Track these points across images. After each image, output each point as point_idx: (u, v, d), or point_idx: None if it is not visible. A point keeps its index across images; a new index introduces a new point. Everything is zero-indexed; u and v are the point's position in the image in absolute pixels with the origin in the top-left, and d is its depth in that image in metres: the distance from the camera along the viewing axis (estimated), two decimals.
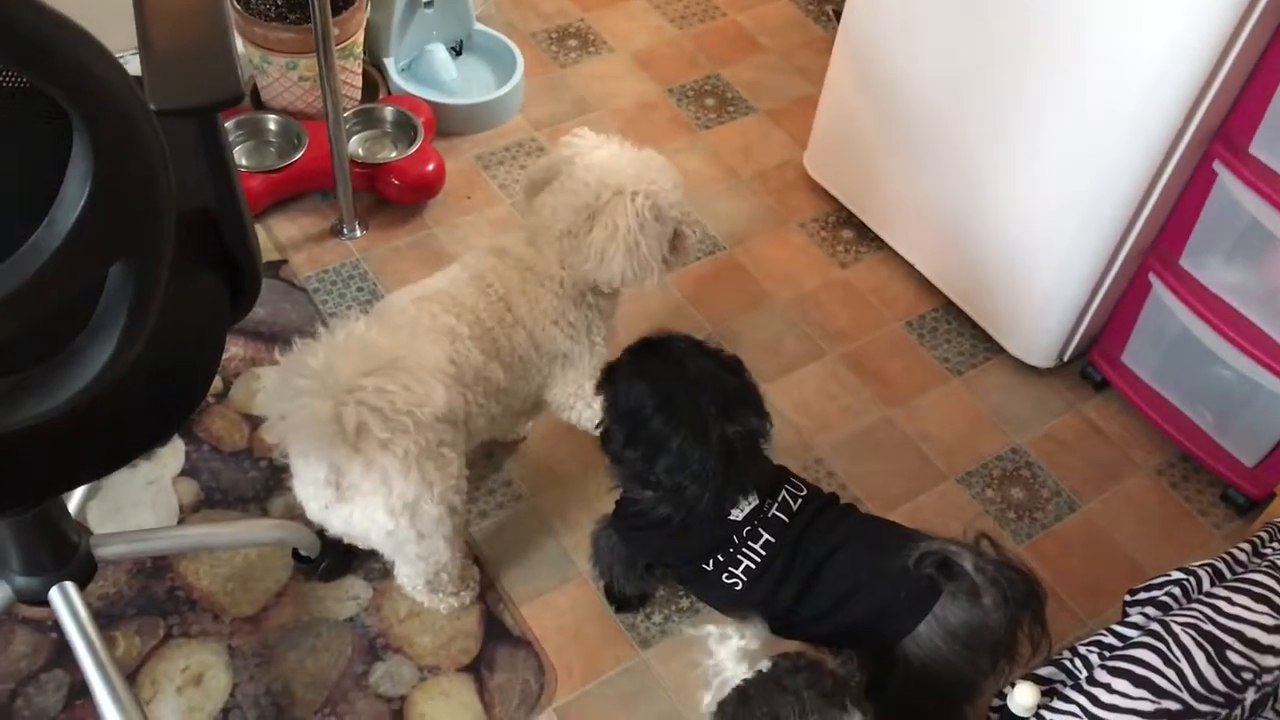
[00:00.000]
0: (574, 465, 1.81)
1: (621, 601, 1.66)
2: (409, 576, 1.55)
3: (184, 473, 1.73)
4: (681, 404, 1.34)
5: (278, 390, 1.29)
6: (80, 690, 1.48)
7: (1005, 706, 1.38)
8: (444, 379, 1.36)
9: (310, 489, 1.37)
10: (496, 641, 1.61)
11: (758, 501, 1.41)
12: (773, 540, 1.40)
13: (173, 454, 1.74)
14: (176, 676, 1.53)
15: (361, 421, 1.26)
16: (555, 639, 1.62)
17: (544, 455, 1.82)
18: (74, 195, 0.77)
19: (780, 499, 1.42)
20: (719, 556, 1.41)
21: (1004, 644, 1.33)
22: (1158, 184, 1.72)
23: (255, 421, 1.80)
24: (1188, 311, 1.77)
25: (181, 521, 1.68)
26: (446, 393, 1.34)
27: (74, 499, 1.56)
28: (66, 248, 0.78)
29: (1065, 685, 1.39)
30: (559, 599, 1.66)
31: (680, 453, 1.33)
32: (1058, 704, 1.35)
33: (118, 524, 1.66)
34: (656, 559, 1.52)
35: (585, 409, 1.63)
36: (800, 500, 1.43)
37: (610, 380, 1.41)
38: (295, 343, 1.31)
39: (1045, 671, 1.44)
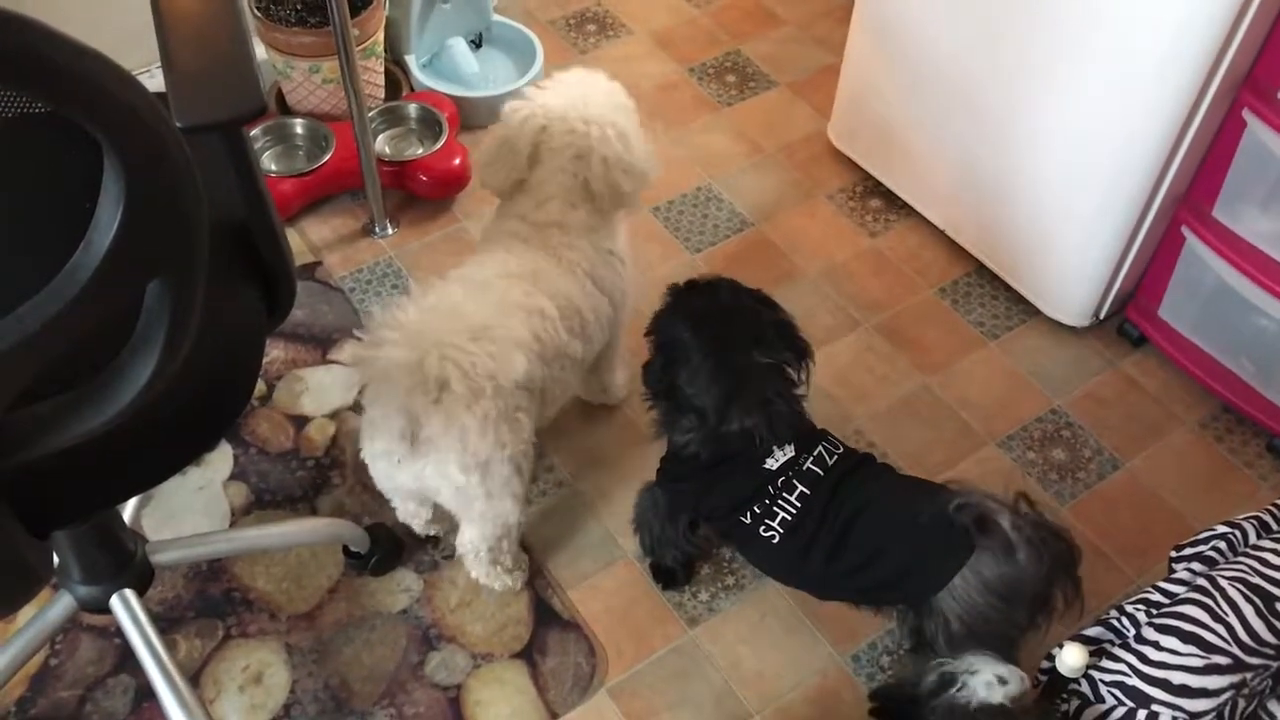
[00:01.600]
0: (615, 448, 1.83)
1: (666, 576, 1.68)
2: (473, 542, 1.56)
3: (233, 476, 1.76)
4: (711, 327, 1.42)
5: (367, 340, 1.37)
6: (146, 693, 1.52)
7: (1054, 668, 1.38)
8: (527, 352, 1.43)
9: (382, 443, 1.43)
10: (547, 626, 1.63)
11: (793, 453, 1.43)
12: (807, 492, 1.42)
13: (221, 458, 1.78)
14: (238, 675, 1.56)
15: (444, 375, 1.32)
16: (604, 621, 1.64)
17: (584, 439, 1.84)
18: (108, 218, 0.79)
19: (816, 453, 1.45)
20: (755, 508, 1.43)
21: (1040, 599, 1.33)
22: (1186, 135, 1.70)
23: (300, 422, 1.83)
24: (1223, 263, 1.75)
25: (233, 524, 1.71)
26: (528, 365, 1.42)
27: (128, 508, 1.60)
28: (104, 269, 0.80)
29: (1113, 644, 1.39)
30: (606, 581, 1.68)
31: (700, 367, 1.40)
32: (1106, 663, 1.36)
33: (172, 530, 1.70)
34: (696, 511, 1.52)
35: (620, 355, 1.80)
36: (836, 457, 1.45)
37: (656, 318, 1.49)
38: (386, 302, 1.43)
39: (1093, 631, 1.45)
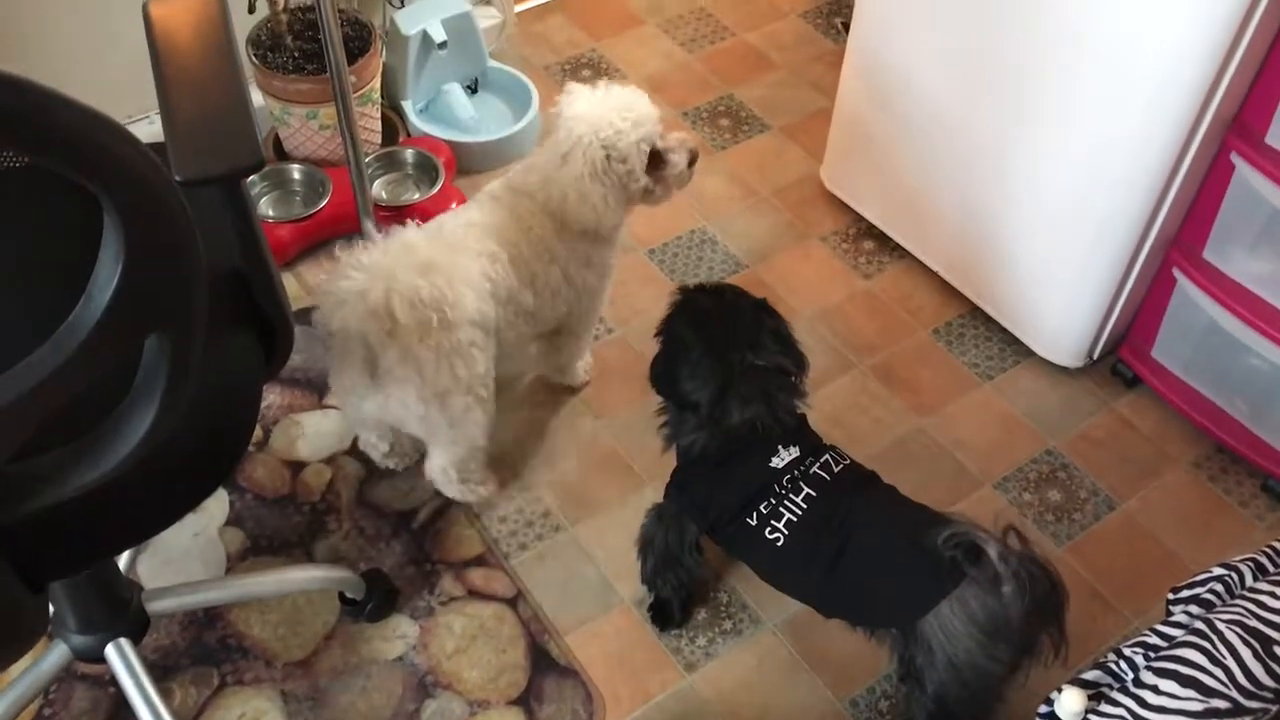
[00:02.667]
0: (612, 494, 1.83)
1: (663, 614, 1.68)
2: (441, 467, 1.69)
3: (229, 522, 1.76)
4: (711, 326, 1.47)
5: (331, 275, 1.51)
6: None
7: (1053, 712, 1.38)
8: (477, 288, 1.54)
9: (347, 378, 1.55)
10: (544, 673, 1.62)
11: (798, 454, 1.46)
12: (814, 495, 1.44)
13: (218, 504, 1.78)
14: (235, 718, 1.56)
15: (390, 305, 1.43)
16: (601, 666, 1.63)
17: (580, 484, 1.84)
18: (107, 274, 0.79)
19: (823, 460, 1.48)
20: (762, 507, 1.45)
21: (1023, 639, 1.33)
22: (1176, 178, 1.72)
23: (296, 467, 1.83)
24: (1214, 304, 1.77)
25: (229, 570, 1.71)
26: (477, 300, 1.53)
27: (124, 556, 1.59)
28: (103, 324, 0.80)
29: (1112, 688, 1.39)
30: (603, 627, 1.68)
31: (699, 362, 1.45)
32: (1105, 708, 1.35)
33: (168, 577, 1.69)
34: (704, 517, 1.52)
35: (585, 340, 1.89)
36: (843, 466, 1.48)
37: (664, 318, 1.54)
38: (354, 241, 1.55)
39: (1091, 675, 1.44)
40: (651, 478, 1.83)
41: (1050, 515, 1.83)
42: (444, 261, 1.51)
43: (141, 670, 1.39)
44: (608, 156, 1.61)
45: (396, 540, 1.75)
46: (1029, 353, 2.05)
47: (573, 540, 1.77)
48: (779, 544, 1.44)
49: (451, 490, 1.74)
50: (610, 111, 1.62)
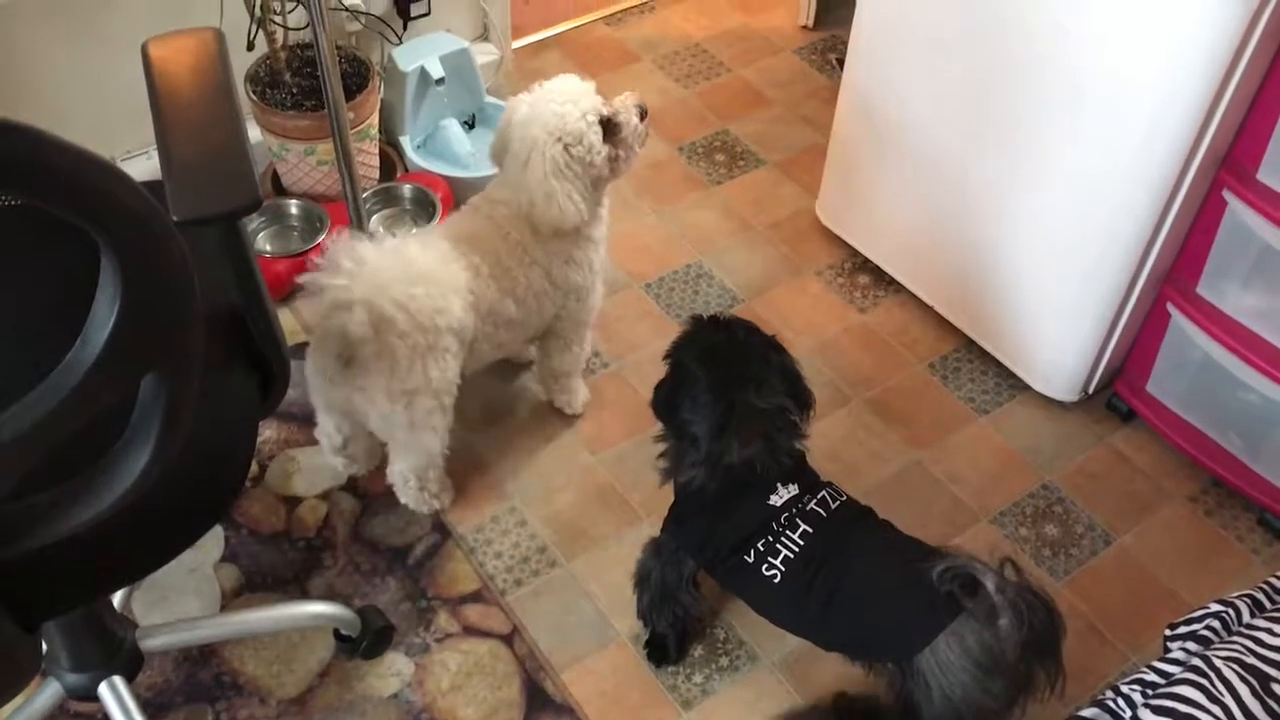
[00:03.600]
0: (608, 528, 1.83)
1: (659, 650, 1.67)
2: (401, 473, 1.76)
3: (225, 558, 1.76)
4: (718, 362, 1.47)
5: (324, 264, 1.54)
6: None
7: None
8: (463, 299, 1.60)
9: (321, 362, 1.58)
10: (539, 710, 1.61)
11: (797, 492, 1.46)
12: (810, 531, 1.44)
13: (212, 540, 1.77)
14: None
15: (388, 315, 1.50)
16: (597, 704, 1.63)
17: (576, 520, 1.84)
18: (104, 314, 0.80)
19: (820, 496, 1.48)
20: (760, 545, 1.45)
21: (1019, 674, 1.33)
22: (1169, 214, 1.73)
23: (292, 503, 1.83)
24: (1208, 339, 1.77)
25: (224, 606, 1.70)
26: (462, 310, 1.59)
27: (119, 592, 1.59)
28: (100, 364, 0.80)
29: None
30: (599, 663, 1.67)
31: (700, 396, 1.45)
32: None
33: (162, 613, 1.68)
34: (701, 553, 1.52)
35: (580, 348, 1.90)
36: (839, 503, 1.49)
37: (674, 344, 1.55)
38: (346, 234, 1.59)
39: (1089, 712, 1.44)
40: (648, 513, 1.83)
41: (1047, 550, 1.83)
42: (436, 270, 1.57)
43: (135, 708, 1.38)
44: (565, 147, 1.65)
45: (392, 576, 1.75)
46: (1024, 387, 2.05)
47: (569, 576, 1.77)
48: (776, 580, 1.44)
49: (408, 497, 1.79)
50: (551, 103, 1.66)
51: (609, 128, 1.70)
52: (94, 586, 1.07)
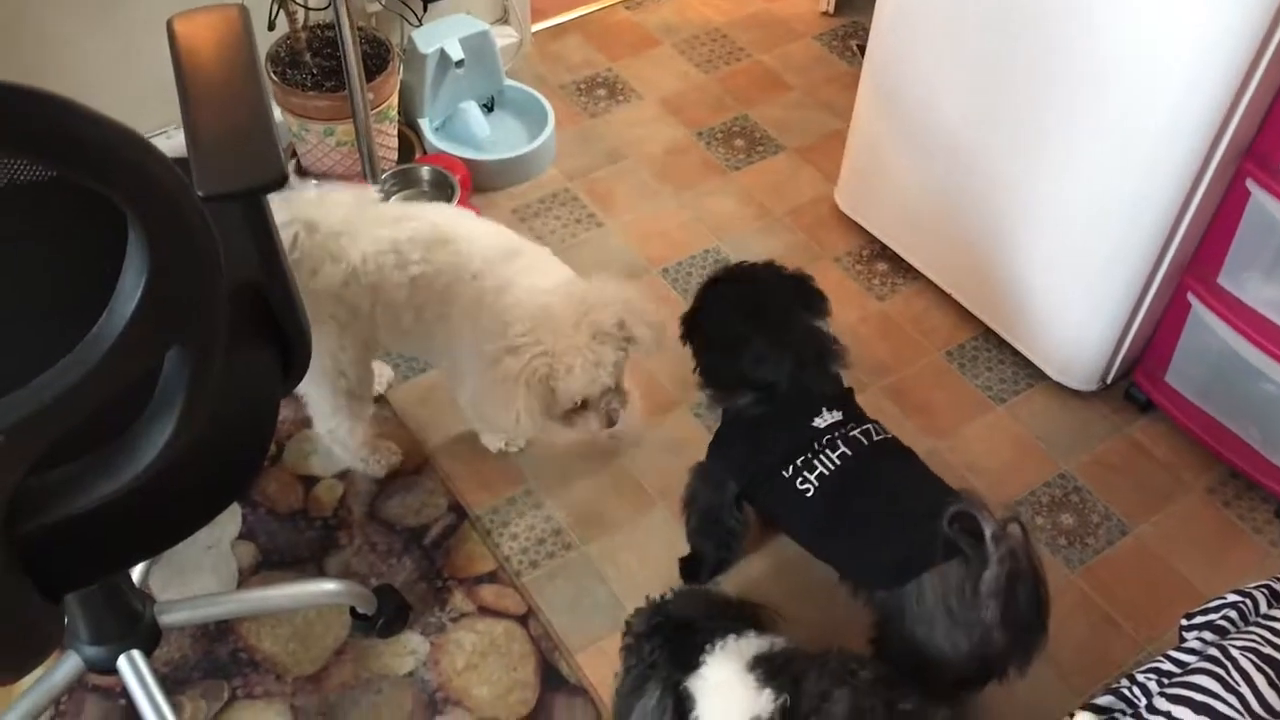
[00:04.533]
0: (623, 513, 1.83)
1: (694, 569, 1.73)
2: (317, 430, 1.78)
3: (242, 536, 1.77)
4: (759, 308, 1.56)
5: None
6: None
7: None
8: (348, 273, 1.55)
9: None
10: (554, 691, 1.62)
11: (840, 417, 1.52)
12: (849, 455, 1.48)
13: (230, 518, 1.78)
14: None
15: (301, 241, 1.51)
16: (611, 686, 1.63)
17: (592, 503, 1.84)
18: (130, 287, 0.80)
19: (865, 427, 1.52)
20: (798, 462, 1.49)
21: (987, 633, 1.32)
22: (1191, 203, 1.72)
23: (309, 482, 1.84)
24: (1229, 329, 1.76)
25: (241, 584, 1.71)
26: (343, 279, 1.55)
27: (138, 568, 1.60)
28: (125, 337, 0.81)
29: (1124, 714, 1.38)
30: (613, 645, 1.66)
31: (764, 351, 1.52)
32: None
33: (180, 589, 1.70)
34: (744, 473, 1.57)
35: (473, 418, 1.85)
36: (883, 438, 1.53)
37: (692, 316, 1.63)
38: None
39: (1104, 700, 1.43)
40: (663, 497, 1.83)
41: (1063, 539, 1.83)
42: (344, 236, 1.55)
43: (153, 682, 1.39)
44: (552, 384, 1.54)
45: (408, 556, 1.75)
46: (1042, 376, 2.05)
47: (584, 558, 1.77)
48: (808, 494, 1.48)
49: (344, 457, 1.81)
50: (580, 331, 1.53)
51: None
52: (116, 559, 1.08)
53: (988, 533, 1.28)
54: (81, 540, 1.03)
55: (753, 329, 1.54)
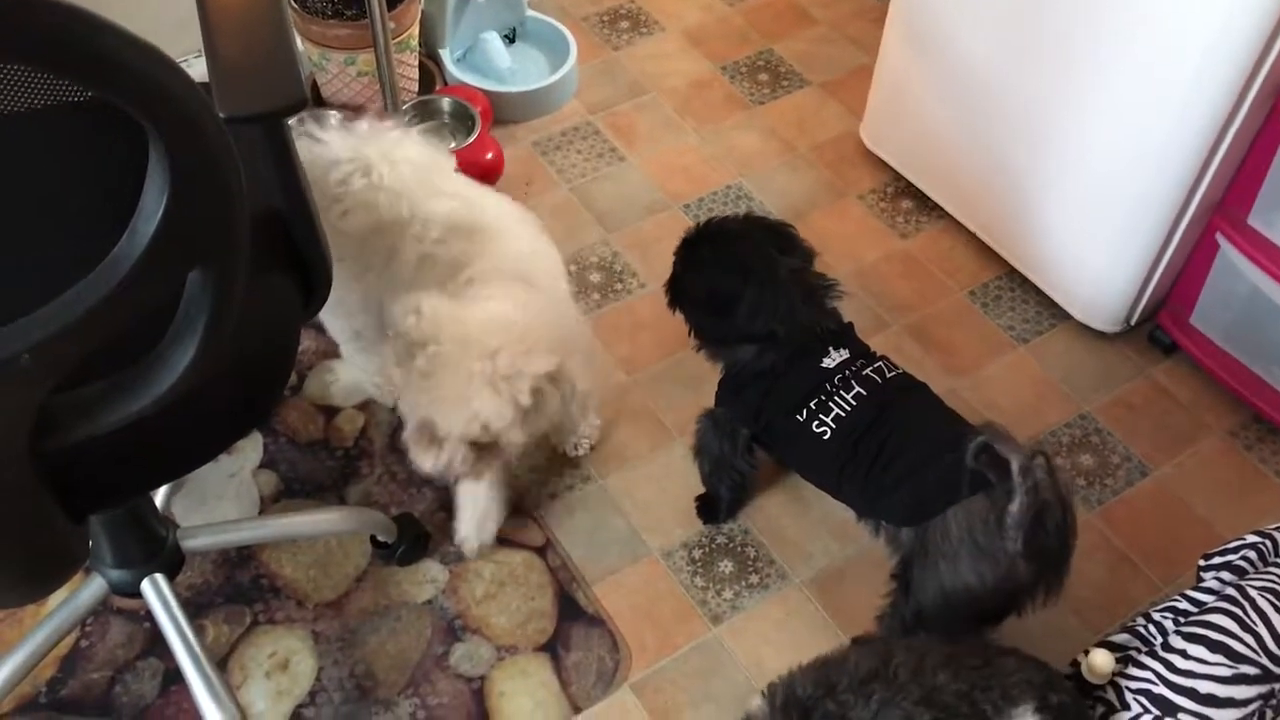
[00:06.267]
0: (641, 446, 1.84)
1: (711, 510, 1.74)
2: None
3: (263, 464, 1.78)
4: (743, 261, 1.51)
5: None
6: (174, 677, 1.54)
7: (1080, 674, 1.38)
8: (374, 228, 1.52)
9: None
10: (571, 621, 1.64)
11: (848, 355, 1.51)
12: (864, 394, 1.47)
13: (252, 447, 1.80)
14: (264, 662, 1.58)
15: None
16: (628, 616, 1.65)
17: (610, 438, 1.85)
18: (152, 206, 0.80)
19: (875, 365, 1.51)
20: (812, 404, 1.48)
21: (1013, 566, 1.32)
22: (1222, 143, 1.69)
23: (330, 413, 1.85)
24: (1258, 271, 1.74)
25: (263, 512, 1.73)
26: (370, 230, 1.51)
27: (160, 494, 1.61)
28: (147, 257, 0.81)
29: (1140, 651, 1.39)
30: (631, 577, 1.69)
31: (758, 302, 1.48)
32: (1133, 670, 1.35)
33: (202, 516, 1.71)
34: (756, 421, 1.56)
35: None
36: (895, 374, 1.51)
37: (675, 282, 1.59)
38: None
39: (1120, 638, 1.44)
40: (681, 432, 1.84)
41: (1082, 480, 1.82)
42: (416, 199, 1.51)
43: (176, 606, 1.41)
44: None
45: (428, 486, 1.76)
46: (1065, 317, 2.03)
47: (602, 491, 1.78)
48: (825, 437, 1.47)
49: (362, 380, 1.83)
50: (490, 362, 1.37)
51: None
52: (138, 481, 1.09)
53: (1014, 464, 1.27)
54: (105, 462, 1.03)
55: (741, 283, 1.49)
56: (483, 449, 1.42)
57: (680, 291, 1.59)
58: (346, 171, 1.49)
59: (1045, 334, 2.02)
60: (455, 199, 1.55)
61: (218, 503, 1.73)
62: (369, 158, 1.50)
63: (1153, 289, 1.92)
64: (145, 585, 1.41)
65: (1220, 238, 1.80)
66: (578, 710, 1.56)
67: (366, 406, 1.86)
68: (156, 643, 1.57)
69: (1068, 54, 1.77)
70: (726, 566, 1.70)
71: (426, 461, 1.41)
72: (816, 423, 1.48)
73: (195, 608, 1.61)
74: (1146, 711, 1.32)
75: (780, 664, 1.59)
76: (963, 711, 1.20)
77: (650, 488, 1.77)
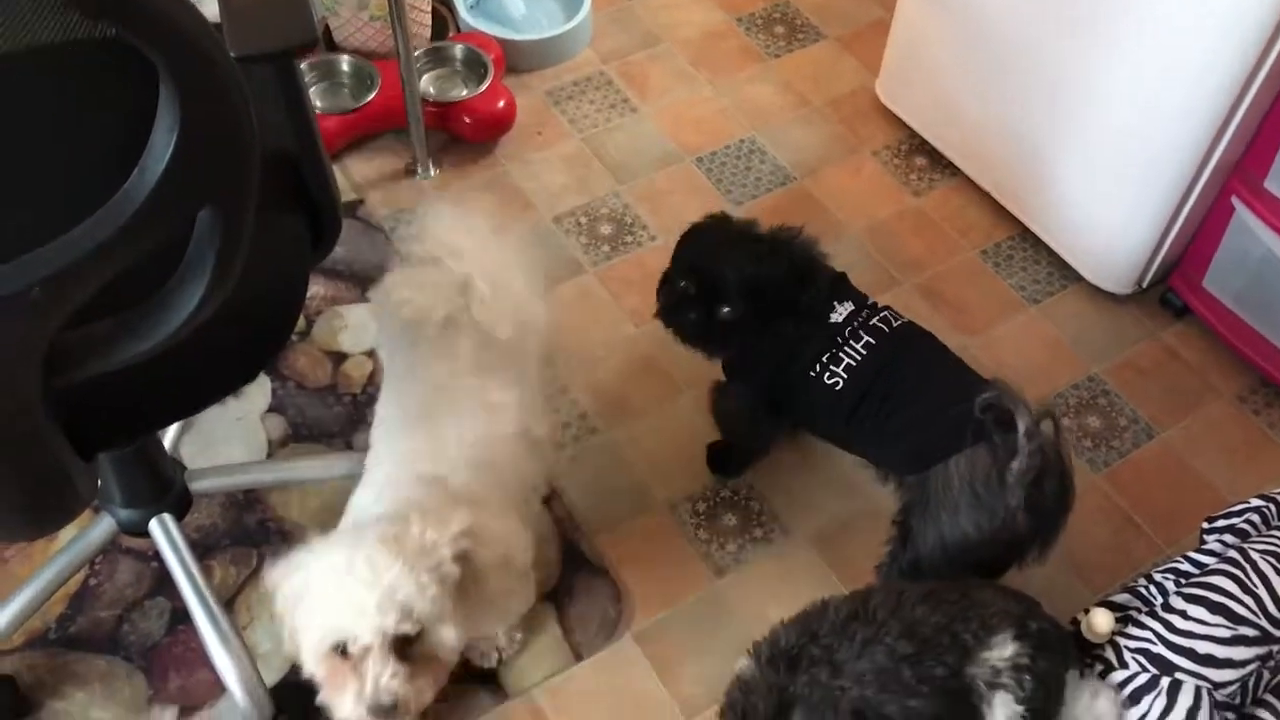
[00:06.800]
0: (649, 399, 1.84)
1: (722, 462, 1.75)
2: None
3: (271, 409, 1.78)
4: (717, 251, 1.51)
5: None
6: (182, 617, 1.55)
7: (1080, 632, 1.39)
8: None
9: None
10: (575, 570, 1.65)
11: (853, 307, 1.52)
12: (873, 344, 1.48)
13: (259, 391, 1.80)
14: (270, 604, 1.59)
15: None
16: (632, 567, 1.65)
17: (618, 390, 1.85)
18: (162, 144, 0.79)
19: (881, 315, 1.52)
20: (824, 358, 1.49)
21: (1012, 519, 1.33)
22: (1242, 103, 1.67)
23: (338, 359, 1.85)
24: (1273, 235, 1.73)
25: (270, 456, 1.74)
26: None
27: (169, 436, 1.62)
28: (156, 195, 0.81)
29: (1140, 611, 1.39)
30: (635, 528, 1.70)
31: (740, 288, 1.47)
32: (1132, 630, 1.36)
33: (210, 459, 1.72)
34: (773, 387, 1.56)
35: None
36: (900, 323, 1.52)
37: (664, 285, 1.57)
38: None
39: (1120, 598, 1.45)
40: (690, 385, 1.84)
41: (1089, 441, 1.82)
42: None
43: (184, 546, 1.42)
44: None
45: None
46: (1077, 278, 2.02)
47: (609, 443, 1.79)
48: (838, 387, 1.48)
49: None
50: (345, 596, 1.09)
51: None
52: (147, 419, 1.10)
53: (1021, 425, 1.27)
54: (114, 400, 1.04)
55: (732, 290, 1.48)
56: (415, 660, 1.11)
57: (683, 321, 1.55)
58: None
59: (1056, 295, 2.01)
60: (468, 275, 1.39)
61: (225, 446, 1.74)
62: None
63: (1166, 251, 1.91)
64: (153, 525, 1.42)
65: (1236, 201, 1.79)
66: (580, 658, 1.57)
67: (374, 354, 1.86)
68: (164, 583, 1.58)
69: (1087, 10, 1.74)
70: (730, 520, 1.71)
71: (346, 701, 1.09)
72: (828, 375, 1.48)
73: (203, 549, 1.62)
74: (1144, 670, 1.33)
75: (782, 617, 1.61)
76: (943, 643, 1.21)
77: (657, 439, 1.78)
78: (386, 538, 1.10)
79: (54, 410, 0.96)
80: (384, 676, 1.07)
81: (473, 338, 1.36)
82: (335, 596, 1.08)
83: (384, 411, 1.39)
